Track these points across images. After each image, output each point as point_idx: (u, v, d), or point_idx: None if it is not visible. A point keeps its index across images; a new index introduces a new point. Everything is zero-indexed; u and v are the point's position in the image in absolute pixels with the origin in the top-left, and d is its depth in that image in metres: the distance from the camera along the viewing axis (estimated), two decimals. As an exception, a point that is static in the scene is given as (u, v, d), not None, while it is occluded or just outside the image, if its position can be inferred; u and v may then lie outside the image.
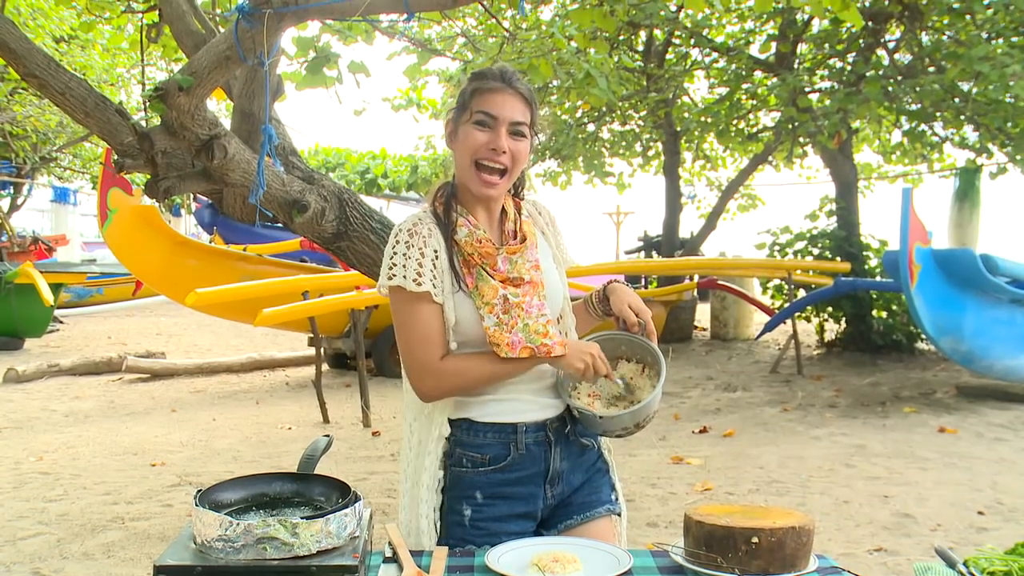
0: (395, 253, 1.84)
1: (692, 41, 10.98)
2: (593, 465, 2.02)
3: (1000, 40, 8.40)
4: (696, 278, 12.70)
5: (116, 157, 3.11)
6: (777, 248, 11.57)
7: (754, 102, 11.41)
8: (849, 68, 9.91)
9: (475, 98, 1.85)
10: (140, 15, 4.91)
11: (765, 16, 10.15)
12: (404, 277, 1.82)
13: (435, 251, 1.85)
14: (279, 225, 3.93)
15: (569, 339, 1.96)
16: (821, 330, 11.24)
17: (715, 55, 11.36)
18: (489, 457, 1.88)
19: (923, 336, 9.56)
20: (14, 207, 19.57)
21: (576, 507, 1.97)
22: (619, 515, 2.03)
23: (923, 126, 10.76)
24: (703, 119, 11.18)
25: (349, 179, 23.96)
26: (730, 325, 12.51)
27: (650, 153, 13.95)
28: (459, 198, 1.92)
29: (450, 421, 1.90)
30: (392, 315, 1.90)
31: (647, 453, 6.14)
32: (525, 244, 1.92)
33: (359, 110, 8.76)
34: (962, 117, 9.47)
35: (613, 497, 2.03)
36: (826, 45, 10.31)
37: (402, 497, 1.98)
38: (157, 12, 4.27)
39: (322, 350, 7.91)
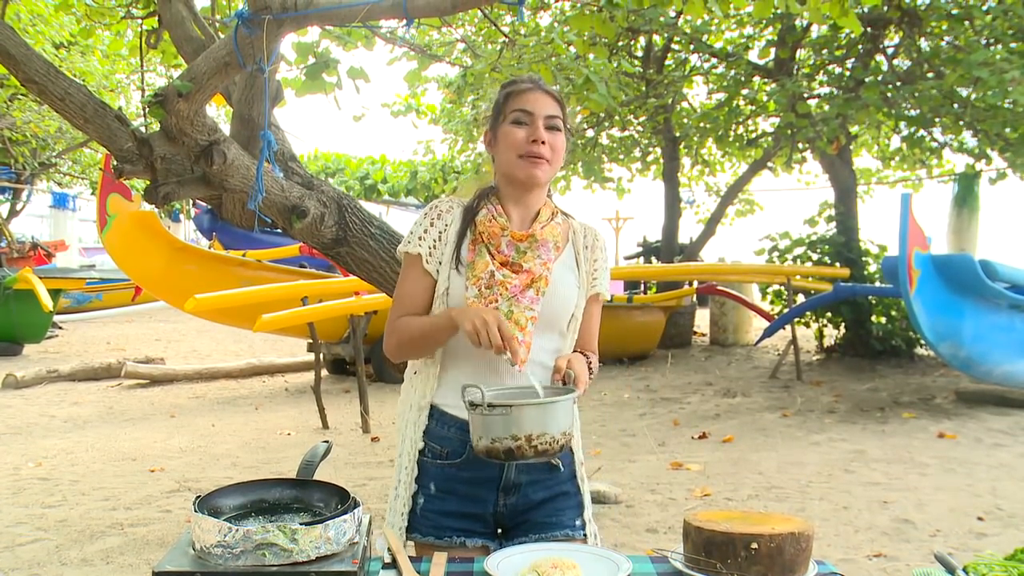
0: (415, 223, 1.99)
1: (691, 47, 10.99)
2: (559, 486, 2.00)
3: (999, 46, 8.41)
4: (695, 283, 12.71)
5: (115, 163, 3.11)
6: (776, 253, 11.57)
7: (753, 108, 11.42)
8: (848, 74, 9.92)
9: (509, 101, 1.95)
10: (139, 21, 4.91)
11: (764, 22, 10.18)
12: (411, 240, 1.96)
13: (446, 224, 1.96)
14: (278, 231, 3.93)
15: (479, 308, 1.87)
16: (820, 335, 11.25)
17: (714, 61, 11.37)
18: (448, 451, 1.94)
19: (922, 341, 9.57)
20: (13, 213, 19.57)
21: (534, 526, 1.96)
22: (584, 540, 1.99)
23: (922, 131, 10.78)
24: (702, 124, 11.19)
25: (348, 185, 23.98)
26: (729, 331, 12.51)
27: (649, 159, 13.96)
28: (498, 195, 1.99)
29: (430, 407, 1.96)
30: None
31: (646, 459, 6.13)
32: (536, 239, 1.94)
33: (358, 116, 8.76)
34: (961, 123, 9.48)
35: (577, 523, 2.00)
36: (825, 51, 10.32)
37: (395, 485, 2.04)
38: (156, 18, 4.27)
39: (321, 356, 7.91)
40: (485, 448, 1.70)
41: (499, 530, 1.99)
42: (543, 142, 1.90)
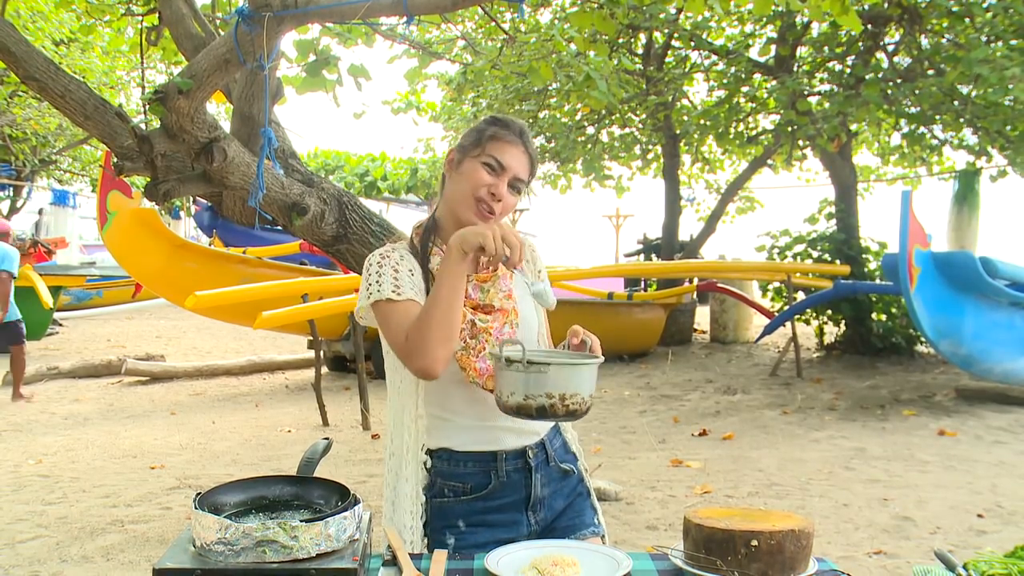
0: (369, 275, 1.87)
1: (692, 44, 10.99)
2: (574, 490, 2.04)
3: (999, 43, 8.40)
4: (696, 281, 12.71)
5: (116, 160, 3.11)
6: (776, 251, 11.57)
7: (753, 105, 11.42)
8: (848, 71, 9.92)
9: (491, 143, 1.91)
10: (140, 18, 4.91)
11: (764, 19, 10.16)
12: (382, 290, 1.83)
13: (410, 270, 1.89)
14: (279, 228, 3.93)
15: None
16: (820, 333, 11.25)
17: (715, 58, 11.37)
18: (471, 486, 1.91)
19: (922, 339, 9.57)
20: (14, 210, 19.58)
21: (560, 531, 1.98)
22: (602, 537, 2.05)
23: (922, 129, 10.77)
24: (702, 122, 11.18)
25: (348, 182, 23.97)
26: (729, 328, 12.51)
27: (649, 156, 13.95)
28: (439, 232, 1.97)
29: (430, 452, 1.92)
30: (380, 331, 1.89)
31: (647, 456, 6.14)
32: (496, 274, 1.93)
33: (359, 113, 8.75)
34: (961, 120, 9.48)
35: (596, 520, 2.05)
36: (825, 48, 10.32)
37: (385, 504, 2.00)
38: (157, 15, 4.27)
39: (321, 353, 7.91)
40: (516, 404, 1.70)
41: None
42: (500, 199, 1.89)
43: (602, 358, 1.82)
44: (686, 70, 11.66)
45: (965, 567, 1.61)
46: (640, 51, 11.77)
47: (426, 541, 1.90)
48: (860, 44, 9.80)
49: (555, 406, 1.69)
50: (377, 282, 1.84)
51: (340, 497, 1.66)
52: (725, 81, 10.82)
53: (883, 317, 10.52)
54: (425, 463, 1.92)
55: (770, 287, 12.06)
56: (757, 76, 10.97)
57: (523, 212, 22.24)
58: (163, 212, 17.74)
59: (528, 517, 1.95)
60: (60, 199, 20.93)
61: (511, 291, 1.96)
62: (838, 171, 11.42)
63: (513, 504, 1.93)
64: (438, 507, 1.91)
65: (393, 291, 1.83)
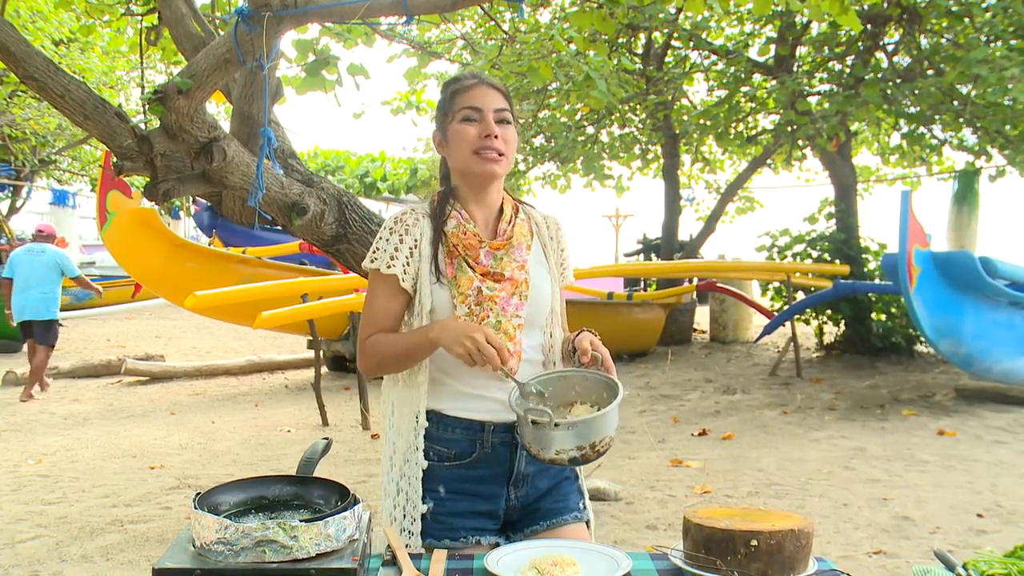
0: (379, 238, 1.94)
1: (691, 44, 10.99)
2: (561, 472, 2.02)
3: (999, 43, 8.40)
4: (695, 281, 12.71)
5: (115, 160, 3.11)
6: (776, 251, 11.57)
7: (753, 105, 11.41)
8: (848, 71, 9.91)
9: (455, 99, 1.93)
10: (139, 18, 4.91)
11: (764, 19, 10.16)
12: (377, 259, 1.91)
13: (416, 239, 1.91)
14: (278, 228, 3.93)
15: (461, 322, 1.83)
16: (820, 333, 11.25)
17: (714, 58, 11.37)
18: (455, 452, 1.91)
19: (922, 339, 9.57)
20: (13, 210, 19.57)
21: (543, 513, 1.98)
22: (587, 523, 2.03)
23: (922, 129, 10.77)
24: (702, 122, 11.18)
25: (348, 182, 23.96)
26: (729, 328, 12.51)
27: (649, 156, 13.95)
28: (457, 196, 1.97)
29: (428, 412, 1.93)
30: None
31: (646, 456, 6.14)
32: (511, 242, 1.93)
33: (358, 113, 8.75)
34: (961, 120, 9.48)
35: (581, 505, 2.03)
36: (825, 48, 10.32)
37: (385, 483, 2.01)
38: (156, 15, 4.27)
39: (321, 353, 7.91)
40: (549, 459, 1.74)
41: (508, 523, 1.99)
42: (496, 136, 1.88)
43: (623, 389, 1.81)
44: (686, 70, 11.66)
45: (965, 567, 1.62)
46: (640, 51, 11.77)
47: (417, 504, 1.90)
48: (860, 44, 9.80)
49: (586, 455, 1.73)
50: (383, 249, 1.91)
51: (340, 497, 1.66)
52: (725, 81, 10.82)
53: (883, 317, 10.52)
54: (418, 416, 1.92)
55: (770, 287, 12.06)
56: (757, 76, 10.97)
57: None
58: (163, 212, 17.72)
59: (509, 491, 1.94)
60: (60, 199, 20.92)
61: (525, 262, 1.94)
62: (838, 171, 11.42)
63: (495, 476, 1.93)
64: (426, 469, 1.92)
65: (386, 264, 1.90)
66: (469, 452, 1.91)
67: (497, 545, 1.89)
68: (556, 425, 1.70)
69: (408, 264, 1.89)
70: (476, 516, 1.92)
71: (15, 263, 9.05)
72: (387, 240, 1.91)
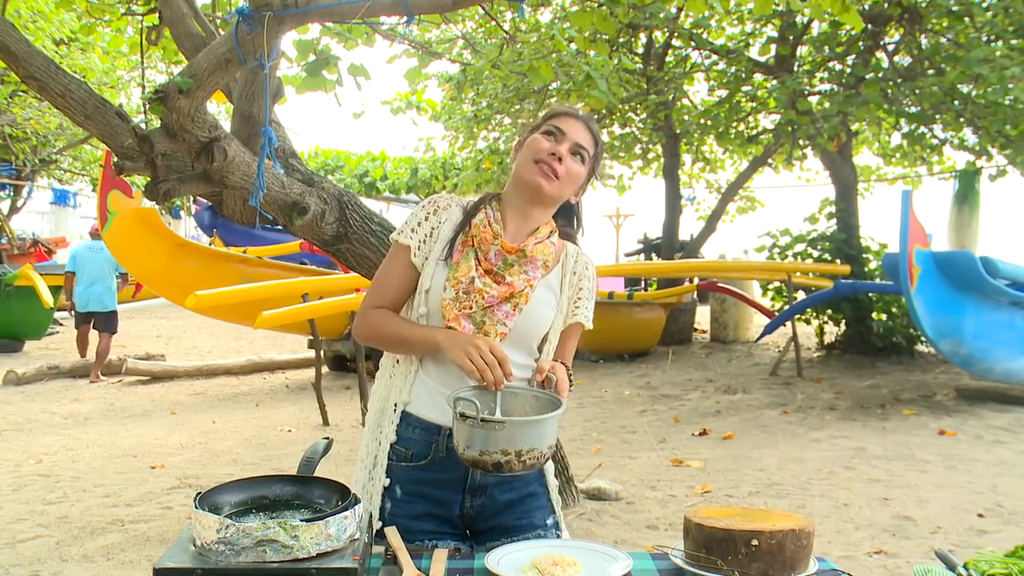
0: (411, 214, 1.98)
1: (692, 43, 10.99)
2: (527, 487, 1.96)
3: (999, 42, 8.40)
4: (696, 280, 12.71)
5: (116, 159, 3.11)
6: (777, 250, 11.57)
7: (754, 104, 11.41)
8: (849, 71, 9.91)
9: (551, 118, 1.97)
10: (140, 18, 4.91)
11: (765, 18, 10.16)
12: (401, 230, 1.96)
13: (441, 221, 1.94)
14: (279, 227, 3.93)
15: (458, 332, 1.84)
16: (821, 332, 11.24)
17: (715, 57, 11.36)
18: (412, 452, 1.91)
19: (923, 338, 9.57)
20: (14, 209, 19.58)
21: (504, 530, 1.93)
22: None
23: (923, 128, 10.76)
24: (703, 121, 11.18)
25: (348, 182, 23.96)
26: (730, 327, 12.51)
27: (650, 155, 13.95)
28: (501, 200, 1.99)
29: (395, 405, 1.93)
30: None
31: (647, 455, 6.14)
32: (526, 253, 1.90)
33: (359, 113, 8.74)
34: (961, 119, 9.47)
35: (548, 522, 1.97)
36: (826, 48, 10.31)
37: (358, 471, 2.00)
38: (157, 15, 4.27)
39: (322, 352, 7.91)
40: (472, 458, 1.69)
41: (468, 531, 1.96)
42: (561, 158, 1.89)
43: (564, 405, 1.77)
44: (686, 69, 11.66)
45: (965, 567, 1.62)
46: (640, 50, 11.76)
47: (379, 500, 1.90)
48: (860, 44, 9.80)
49: (511, 463, 1.67)
50: (407, 222, 1.97)
51: (340, 497, 1.66)
52: (725, 80, 10.82)
53: (883, 317, 10.51)
54: (395, 406, 1.92)
55: (771, 287, 12.06)
56: (757, 75, 10.96)
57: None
58: (163, 212, 17.75)
59: (464, 498, 1.91)
60: (60, 199, 20.95)
61: (534, 279, 1.91)
62: (838, 171, 11.42)
63: (449, 481, 1.90)
64: (386, 468, 1.92)
65: (407, 236, 1.94)
66: (424, 454, 1.90)
67: (457, 550, 1.83)
68: (483, 421, 1.65)
69: (424, 242, 1.93)
70: (431, 519, 1.90)
71: (78, 259, 9.86)
72: (415, 215, 1.96)
